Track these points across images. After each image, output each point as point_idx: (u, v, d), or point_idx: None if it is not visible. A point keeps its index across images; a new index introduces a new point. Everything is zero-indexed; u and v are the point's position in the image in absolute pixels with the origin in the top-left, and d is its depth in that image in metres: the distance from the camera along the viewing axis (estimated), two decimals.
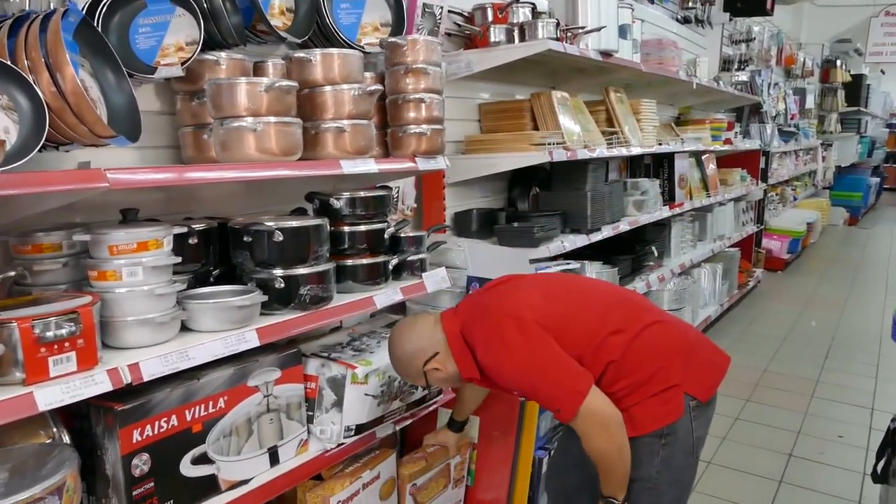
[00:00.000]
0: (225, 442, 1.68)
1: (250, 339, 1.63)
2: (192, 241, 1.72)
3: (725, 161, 5.87)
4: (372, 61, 2.19)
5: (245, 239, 1.75)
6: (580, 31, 3.08)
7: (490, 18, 2.89)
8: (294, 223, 1.77)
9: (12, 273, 1.50)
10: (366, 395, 1.92)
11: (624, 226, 3.40)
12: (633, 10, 3.53)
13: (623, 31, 3.39)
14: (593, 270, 3.17)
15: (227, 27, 1.75)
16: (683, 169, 4.38)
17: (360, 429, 1.94)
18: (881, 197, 14.04)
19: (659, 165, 4.25)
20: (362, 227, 1.99)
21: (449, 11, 2.81)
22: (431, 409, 2.26)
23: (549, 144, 2.77)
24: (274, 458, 1.81)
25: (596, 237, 3.12)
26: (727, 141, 5.41)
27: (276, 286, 1.73)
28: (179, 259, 1.57)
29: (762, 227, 6.82)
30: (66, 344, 1.30)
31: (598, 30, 3.11)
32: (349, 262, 1.97)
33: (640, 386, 1.64)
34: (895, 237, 9.85)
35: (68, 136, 1.39)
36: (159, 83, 1.84)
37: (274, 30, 1.85)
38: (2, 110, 1.31)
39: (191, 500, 1.61)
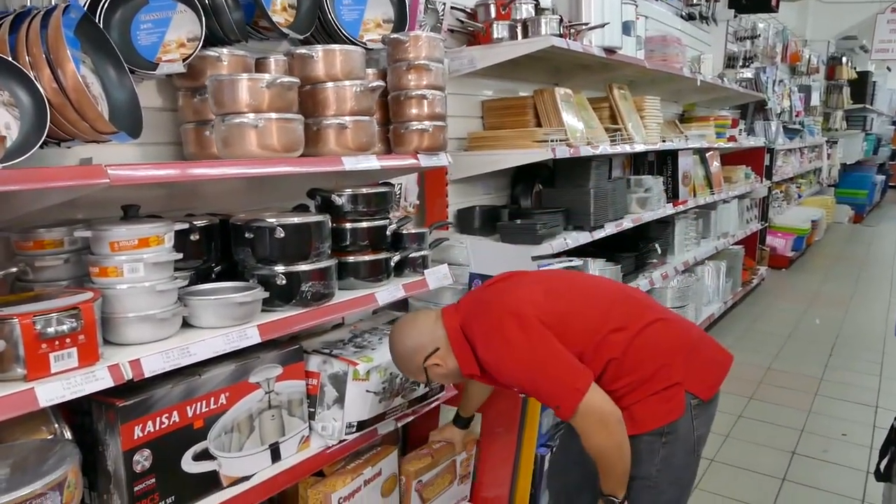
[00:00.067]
0: (226, 438, 1.68)
1: (252, 336, 1.63)
2: (194, 237, 1.72)
3: (730, 158, 5.85)
4: (374, 58, 2.19)
5: (247, 235, 1.75)
6: (583, 27, 3.07)
7: (493, 15, 2.88)
8: (296, 220, 1.77)
9: (14, 269, 1.51)
10: (367, 391, 1.92)
11: (627, 223, 3.40)
12: (636, 6, 3.52)
13: (627, 28, 3.38)
14: (596, 268, 3.17)
15: (228, 23, 1.75)
16: (687, 166, 4.36)
17: (361, 425, 1.94)
18: (886, 194, 13.98)
19: (663, 163, 4.24)
20: (364, 224, 1.99)
21: (452, 8, 2.81)
22: (433, 405, 2.26)
23: (553, 141, 2.76)
24: (275, 455, 1.81)
25: (599, 234, 3.12)
26: (731, 138, 5.40)
27: (278, 283, 1.73)
28: (181, 255, 1.57)
29: (766, 224, 6.80)
30: (68, 340, 1.30)
31: (602, 26, 3.09)
32: (351, 258, 1.97)
33: (642, 384, 1.64)
34: None
35: (69, 133, 1.39)
36: (161, 79, 1.84)
37: (276, 26, 1.84)
38: (3, 106, 1.32)
39: (192, 496, 1.62)
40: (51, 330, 1.28)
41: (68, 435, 1.48)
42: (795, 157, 8.37)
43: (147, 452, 1.51)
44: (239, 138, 1.64)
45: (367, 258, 1.99)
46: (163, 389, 1.54)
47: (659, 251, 3.95)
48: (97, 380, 1.32)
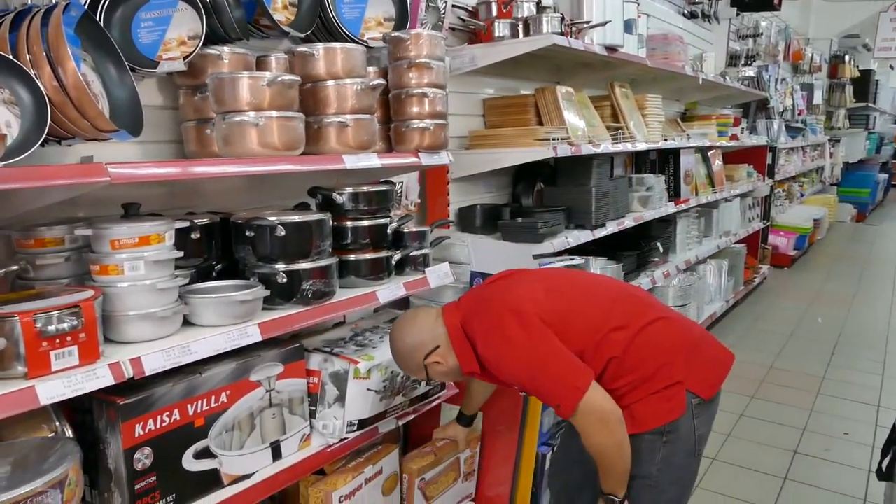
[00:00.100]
0: (227, 436, 1.68)
1: (252, 334, 1.63)
2: (195, 235, 1.72)
3: (732, 157, 5.84)
4: (375, 56, 2.19)
5: (247, 233, 1.75)
6: (585, 25, 3.07)
7: (494, 13, 2.88)
8: (296, 218, 1.77)
9: (15, 267, 1.51)
10: (368, 390, 1.92)
11: (629, 222, 3.39)
12: (638, 4, 3.51)
13: (628, 26, 3.37)
14: (598, 266, 3.16)
15: (229, 21, 1.74)
16: (689, 165, 4.36)
17: (362, 424, 1.94)
18: (889, 193, 13.95)
19: (664, 161, 4.23)
20: (365, 222, 1.99)
21: (453, 6, 2.80)
22: (434, 404, 2.26)
23: (554, 140, 2.76)
24: (276, 453, 1.81)
25: (600, 233, 3.11)
26: (733, 137, 5.39)
27: (279, 281, 1.73)
28: (181, 254, 1.57)
29: (769, 223, 6.79)
30: (68, 338, 1.30)
31: (604, 24, 3.09)
32: (352, 257, 1.97)
33: (643, 383, 1.63)
34: None
35: (70, 131, 1.39)
36: (162, 78, 1.84)
37: (277, 24, 1.84)
38: (4, 104, 1.32)
39: (193, 495, 1.62)
40: (51, 328, 1.28)
41: (69, 433, 1.48)
42: (798, 156, 8.35)
43: (148, 450, 1.51)
44: (240, 136, 1.64)
45: (368, 256, 1.99)
46: (164, 388, 1.54)
47: (661, 250, 3.95)
48: (98, 378, 1.32)
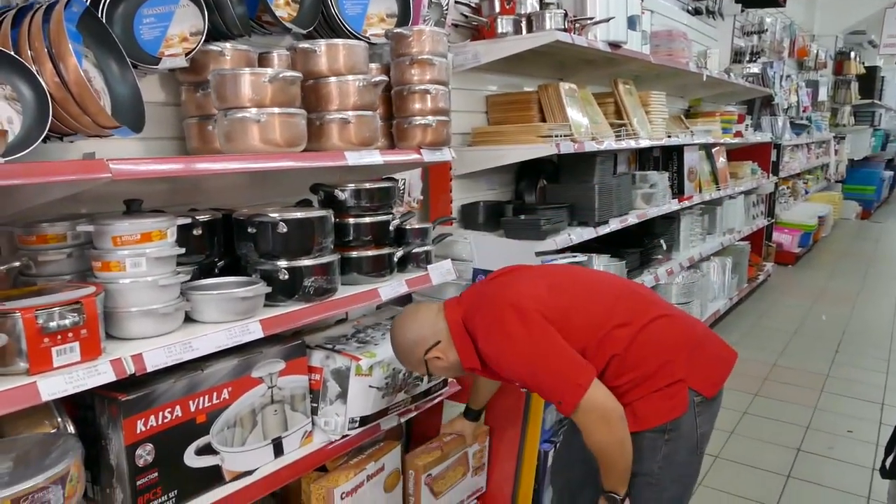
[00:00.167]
0: (229, 433, 1.68)
1: (254, 331, 1.63)
2: (197, 232, 1.71)
3: (736, 154, 5.82)
4: (377, 52, 2.18)
5: (249, 230, 1.75)
6: (588, 21, 3.06)
7: (497, 9, 2.87)
8: (298, 214, 1.76)
9: (17, 263, 1.51)
10: (370, 386, 1.92)
11: (632, 219, 3.38)
12: (642, 0, 3.50)
13: (632, 22, 3.36)
14: (601, 263, 3.16)
15: (231, 18, 1.74)
16: (693, 162, 4.34)
17: (364, 420, 1.94)
18: (894, 191, 13.89)
19: (668, 158, 4.22)
20: (367, 219, 1.99)
21: (456, 2, 2.79)
22: (436, 401, 2.26)
23: (557, 136, 2.75)
24: (278, 450, 1.81)
25: (603, 230, 3.10)
26: (738, 133, 5.36)
27: (281, 277, 1.73)
28: (183, 250, 1.57)
29: (773, 220, 6.76)
30: (70, 334, 1.30)
31: (607, 21, 3.08)
32: (354, 253, 1.97)
33: (645, 380, 1.63)
34: None
35: (72, 127, 1.39)
36: (164, 74, 1.83)
37: (279, 20, 1.84)
38: (5, 100, 1.32)
39: (195, 491, 1.62)
40: (53, 324, 1.28)
41: (71, 429, 1.48)
42: (802, 153, 8.32)
43: (150, 447, 1.51)
44: (242, 133, 1.64)
45: (370, 253, 1.98)
46: (165, 384, 1.54)
47: (664, 247, 3.93)
48: (99, 374, 1.33)
